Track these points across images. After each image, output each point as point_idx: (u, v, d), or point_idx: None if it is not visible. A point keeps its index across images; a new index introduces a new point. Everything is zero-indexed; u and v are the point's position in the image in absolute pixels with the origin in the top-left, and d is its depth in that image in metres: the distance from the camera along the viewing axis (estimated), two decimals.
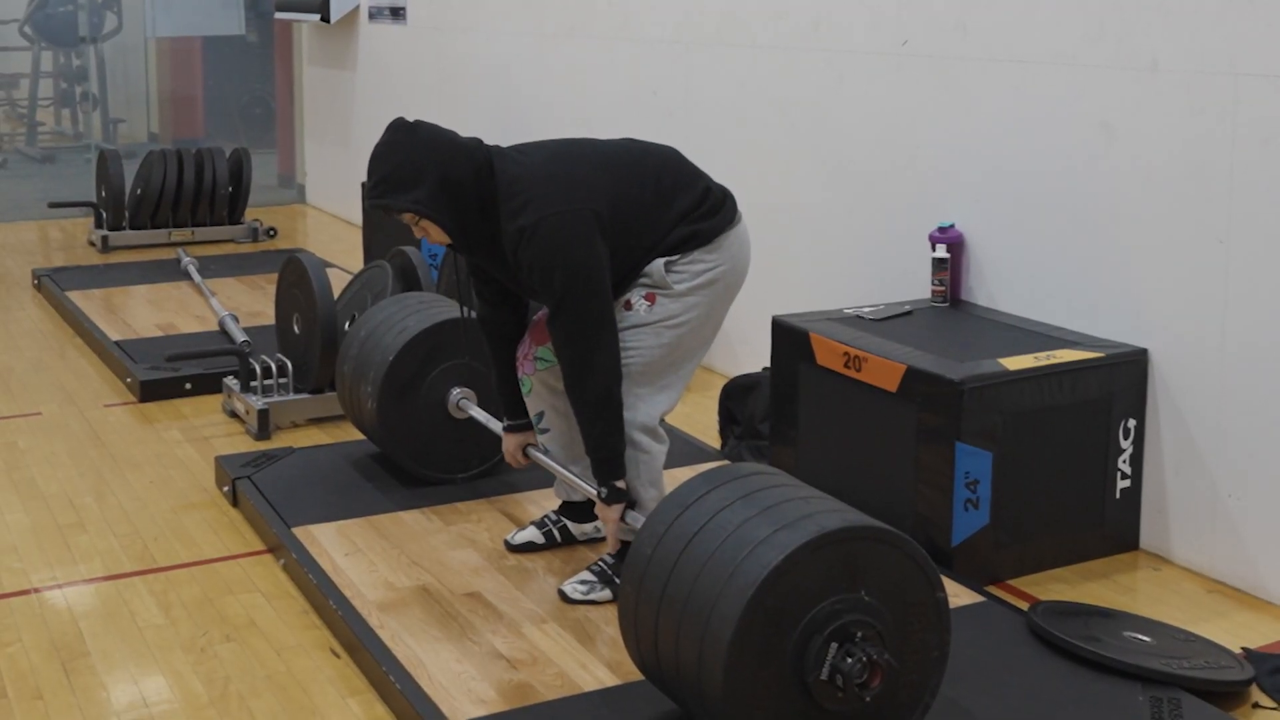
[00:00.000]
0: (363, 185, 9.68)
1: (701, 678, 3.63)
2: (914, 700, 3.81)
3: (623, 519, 4.63)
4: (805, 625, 3.59)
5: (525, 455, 5.16)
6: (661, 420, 4.79)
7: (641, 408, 4.70)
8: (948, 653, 3.84)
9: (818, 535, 3.57)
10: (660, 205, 4.66)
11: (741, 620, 3.52)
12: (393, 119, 4.73)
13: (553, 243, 4.47)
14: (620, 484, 4.62)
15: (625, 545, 4.83)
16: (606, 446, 4.59)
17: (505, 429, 5.18)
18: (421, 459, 5.83)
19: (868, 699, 3.62)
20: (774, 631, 3.57)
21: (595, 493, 4.70)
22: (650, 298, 4.65)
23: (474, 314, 5.06)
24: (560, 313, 4.51)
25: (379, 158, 4.62)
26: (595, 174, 4.64)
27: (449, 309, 5.84)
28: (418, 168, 4.53)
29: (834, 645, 3.59)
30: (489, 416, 5.60)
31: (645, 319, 4.65)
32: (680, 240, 4.66)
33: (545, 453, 5.08)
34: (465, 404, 5.74)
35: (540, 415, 5.07)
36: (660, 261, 4.65)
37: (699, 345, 4.81)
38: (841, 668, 3.58)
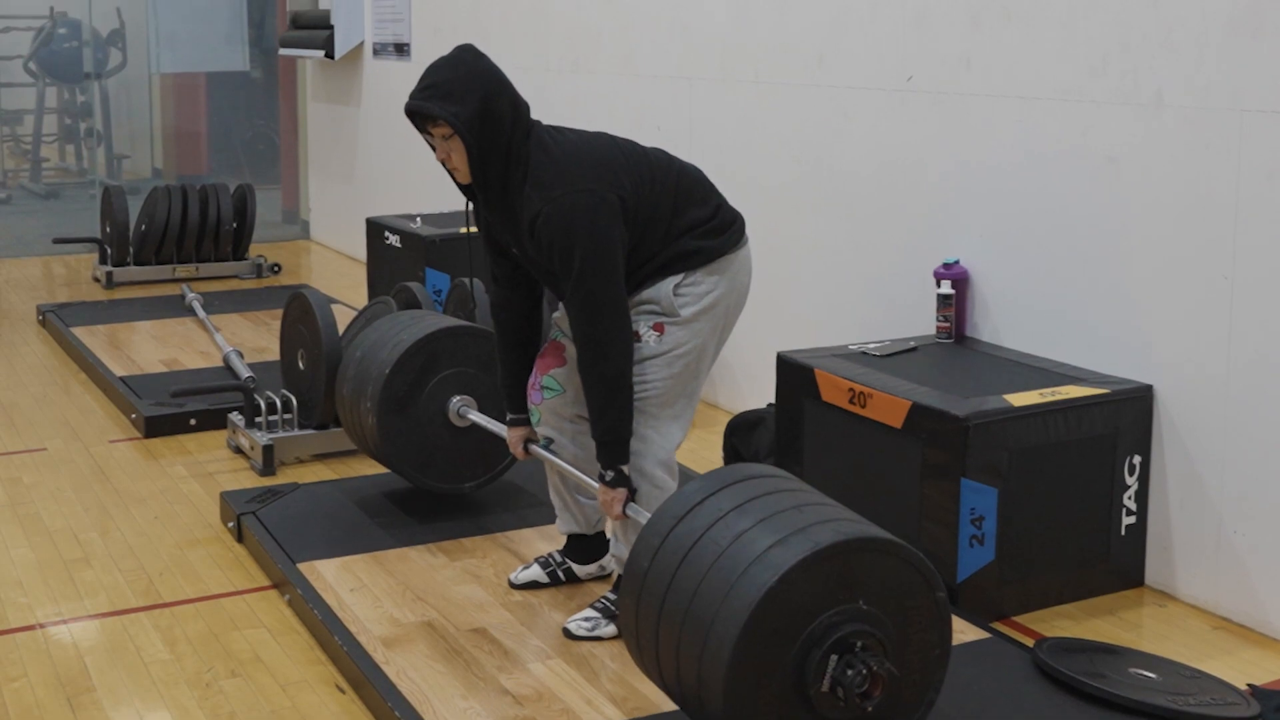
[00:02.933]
0: (368, 222, 9.70)
1: (702, 695, 3.63)
2: (918, 699, 3.81)
3: (625, 510, 4.61)
4: (804, 640, 3.59)
5: (527, 450, 5.15)
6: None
7: (658, 441, 4.70)
8: (949, 650, 3.84)
9: (812, 551, 3.56)
10: (674, 210, 4.67)
11: (739, 642, 3.52)
12: (462, 44, 4.74)
13: (576, 219, 4.47)
14: (625, 469, 4.61)
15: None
16: (615, 430, 4.57)
17: (509, 423, 5.16)
18: (426, 471, 5.82)
19: (869, 709, 3.62)
20: (773, 649, 3.57)
21: (597, 484, 4.68)
22: (659, 328, 4.65)
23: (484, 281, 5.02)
24: (577, 291, 4.49)
25: (435, 67, 4.64)
26: (625, 162, 4.66)
27: (443, 320, 5.85)
28: (468, 87, 4.55)
29: (834, 657, 3.59)
30: (490, 420, 5.60)
31: (656, 350, 4.65)
32: (684, 253, 4.66)
33: (547, 448, 5.07)
34: (465, 411, 5.73)
35: (549, 440, 5.07)
36: (670, 285, 4.65)
37: (705, 369, 4.82)
38: (842, 680, 3.58)
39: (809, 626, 3.59)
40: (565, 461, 5.02)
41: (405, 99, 4.61)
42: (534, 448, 5.08)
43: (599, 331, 4.51)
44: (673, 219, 4.67)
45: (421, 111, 4.59)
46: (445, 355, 5.76)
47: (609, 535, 5.08)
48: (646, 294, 4.66)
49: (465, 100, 4.53)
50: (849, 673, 3.58)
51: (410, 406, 5.74)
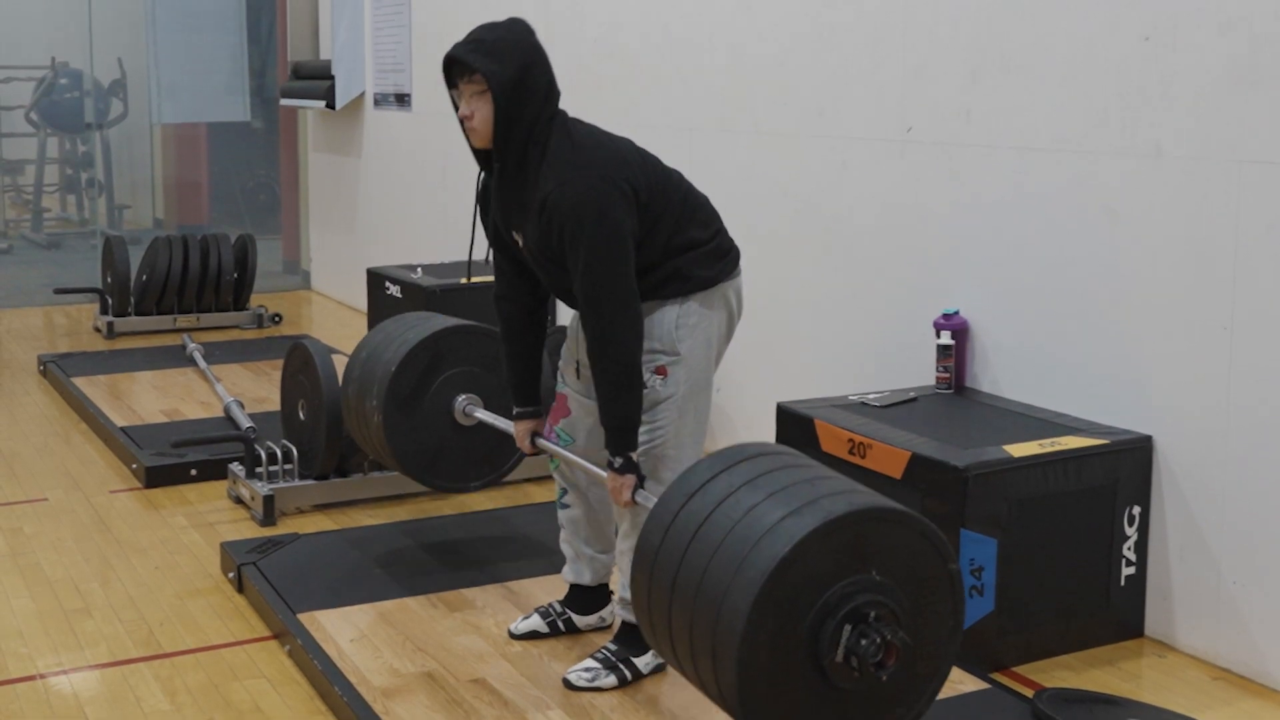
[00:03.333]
0: (369, 272, 9.72)
1: (717, 667, 3.61)
2: (931, 672, 3.80)
3: (634, 497, 4.59)
4: (818, 610, 3.58)
5: (534, 445, 5.13)
6: None
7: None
8: (963, 622, 3.83)
9: (824, 522, 3.55)
10: (677, 223, 4.67)
11: (752, 613, 3.50)
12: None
13: (588, 203, 4.46)
14: (634, 455, 4.60)
15: (626, 627, 4.85)
16: (624, 416, 4.56)
17: (515, 416, 5.15)
18: (432, 470, 5.81)
19: (884, 678, 3.61)
20: (786, 620, 3.56)
21: (604, 473, 4.66)
22: (661, 371, 4.65)
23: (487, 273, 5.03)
24: (586, 278, 4.48)
25: (485, 27, 4.66)
26: (641, 162, 4.68)
27: (447, 320, 5.85)
28: (512, 52, 4.57)
29: (848, 627, 3.58)
30: (496, 417, 5.59)
31: (662, 394, 4.66)
32: (680, 275, 4.65)
33: (554, 442, 5.07)
34: (471, 409, 5.72)
35: (564, 492, 5.08)
36: (671, 316, 4.65)
37: (708, 398, 4.82)
38: (856, 649, 3.57)
39: (822, 597, 3.57)
40: (574, 521, 5.05)
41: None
42: (540, 441, 5.08)
43: (607, 320, 4.50)
44: (674, 232, 4.67)
45: (462, 60, 4.57)
46: (451, 354, 5.74)
47: (612, 587, 5.09)
48: (645, 327, 4.66)
49: (506, 62, 4.55)
50: (863, 642, 3.57)
51: (416, 405, 5.71)
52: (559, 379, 5.05)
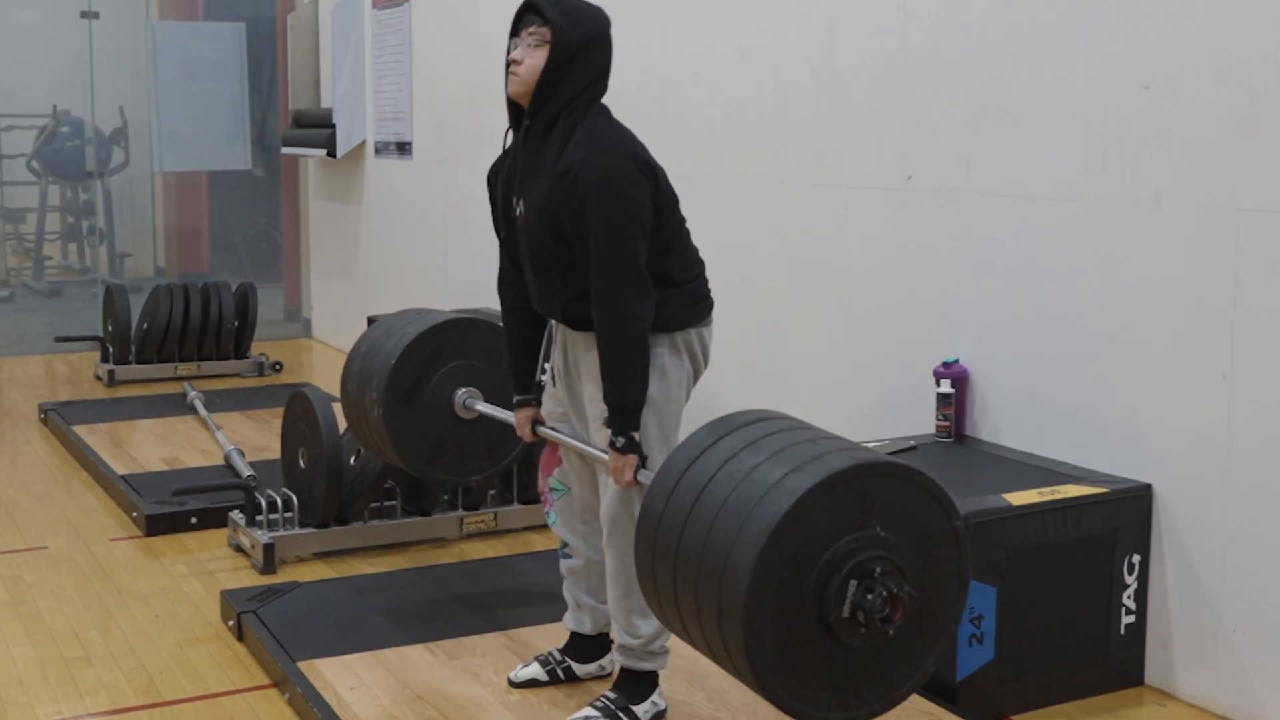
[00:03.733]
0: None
1: (723, 627, 3.60)
2: (938, 629, 3.80)
3: (636, 477, 4.56)
4: (823, 566, 3.57)
5: (534, 433, 5.11)
6: None
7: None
8: (968, 579, 3.83)
9: (828, 476, 3.55)
10: (665, 247, 4.66)
11: (757, 567, 3.49)
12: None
13: (616, 177, 4.47)
14: (636, 435, 4.58)
15: (626, 675, 4.84)
16: (629, 396, 4.54)
17: (516, 405, 5.13)
18: (433, 463, 5.78)
19: (891, 632, 3.61)
20: (791, 575, 3.55)
21: (604, 454, 4.65)
22: None
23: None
24: (602, 248, 4.48)
25: None
26: (661, 169, 4.69)
27: (446, 313, 5.83)
28: (587, 24, 4.62)
29: (853, 583, 3.57)
30: (496, 409, 5.55)
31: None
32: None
33: (549, 495, 5.06)
34: (472, 402, 5.69)
35: (565, 544, 5.08)
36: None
37: (673, 438, 4.79)
38: (863, 604, 3.56)
39: (827, 552, 3.57)
40: (575, 571, 5.06)
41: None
42: (541, 429, 5.06)
43: (619, 293, 4.48)
44: (661, 256, 4.66)
45: (538, 6, 4.62)
46: (450, 347, 5.69)
47: (612, 635, 5.08)
48: None
49: (576, 26, 4.60)
50: (869, 597, 3.56)
51: (416, 398, 5.65)
52: (541, 401, 5.05)
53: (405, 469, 5.82)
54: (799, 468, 3.62)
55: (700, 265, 4.84)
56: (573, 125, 4.59)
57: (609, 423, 4.60)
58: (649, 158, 4.63)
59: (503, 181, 4.88)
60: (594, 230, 4.49)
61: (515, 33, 4.69)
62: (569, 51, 4.57)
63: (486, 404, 5.64)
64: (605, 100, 4.71)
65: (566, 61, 4.58)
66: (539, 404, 5.10)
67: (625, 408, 4.56)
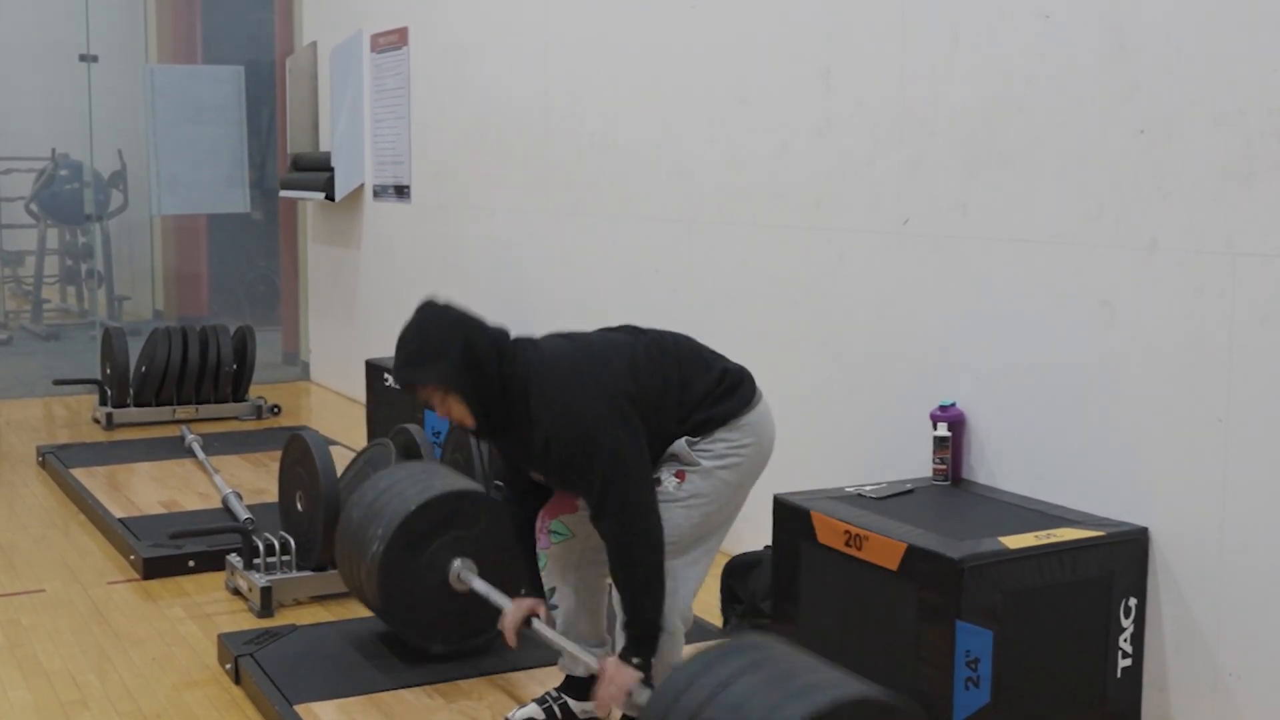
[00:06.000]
0: (368, 364, 9.76)
1: None
2: None
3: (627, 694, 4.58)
4: None
5: (528, 624, 5.12)
6: None
7: (680, 593, 4.74)
8: None
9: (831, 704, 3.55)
10: (681, 392, 4.72)
11: None
12: (422, 299, 4.80)
13: (589, 428, 4.52)
14: (653, 662, 4.61)
15: None
16: (648, 620, 4.59)
17: (521, 593, 5.17)
18: (407, 615, 5.77)
19: None
20: None
21: (597, 664, 4.68)
22: (680, 475, 4.70)
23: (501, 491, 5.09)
24: (605, 501, 4.54)
25: (406, 336, 4.71)
26: (619, 358, 4.71)
27: (475, 484, 5.84)
28: (443, 342, 4.63)
29: None
30: (490, 588, 5.57)
31: (675, 495, 4.70)
32: (700, 424, 4.72)
33: (546, 538, 5.07)
34: (467, 576, 5.69)
35: (553, 591, 5.09)
36: (683, 441, 4.70)
37: (725, 521, 4.88)
38: None
39: None
40: (561, 619, 5.08)
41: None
42: (537, 624, 5.08)
43: (630, 533, 4.57)
44: (683, 397, 4.72)
45: (409, 382, 4.68)
46: (463, 517, 5.71)
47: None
48: (667, 450, 4.71)
49: (445, 357, 4.62)
50: None
51: (418, 551, 5.67)
52: None
53: (374, 607, 5.84)
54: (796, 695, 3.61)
55: (714, 356, 4.96)
56: (523, 397, 4.64)
57: (628, 644, 4.65)
58: (601, 367, 4.69)
59: (505, 455, 4.97)
60: (592, 481, 4.57)
61: (417, 396, 4.76)
62: (464, 373, 4.62)
63: (482, 581, 5.64)
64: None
65: (472, 380, 4.63)
66: (538, 598, 5.16)
67: (643, 635, 4.63)
